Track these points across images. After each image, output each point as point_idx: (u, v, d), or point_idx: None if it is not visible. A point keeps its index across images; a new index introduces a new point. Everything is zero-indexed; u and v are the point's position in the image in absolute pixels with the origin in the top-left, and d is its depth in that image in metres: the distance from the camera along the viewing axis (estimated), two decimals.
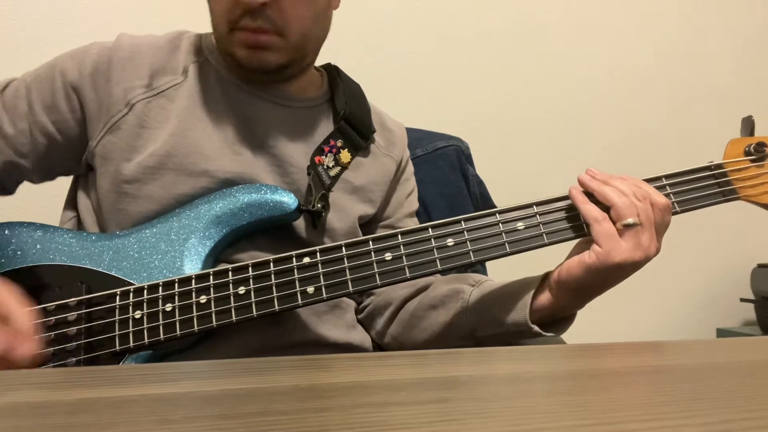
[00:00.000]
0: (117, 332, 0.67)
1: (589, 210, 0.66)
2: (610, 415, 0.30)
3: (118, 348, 0.67)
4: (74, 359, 0.66)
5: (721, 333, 1.78)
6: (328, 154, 0.82)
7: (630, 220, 0.64)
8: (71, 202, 0.84)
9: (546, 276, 0.72)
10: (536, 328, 0.69)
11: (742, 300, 1.73)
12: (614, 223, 0.65)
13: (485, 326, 0.74)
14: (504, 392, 0.36)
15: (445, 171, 1.11)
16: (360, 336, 0.84)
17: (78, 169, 0.82)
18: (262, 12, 0.71)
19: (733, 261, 1.81)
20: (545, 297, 0.70)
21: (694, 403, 0.34)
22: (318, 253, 0.69)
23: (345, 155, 0.83)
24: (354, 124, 0.85)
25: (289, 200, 0.75)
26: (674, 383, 0.39)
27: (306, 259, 0.69)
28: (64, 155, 0.80)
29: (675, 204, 0.70)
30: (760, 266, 1.69)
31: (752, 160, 0.72)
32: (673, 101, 1.80)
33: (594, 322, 1.65)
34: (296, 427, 0.28)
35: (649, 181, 0.71)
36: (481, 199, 1.13)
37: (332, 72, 0.90)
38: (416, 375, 0.41)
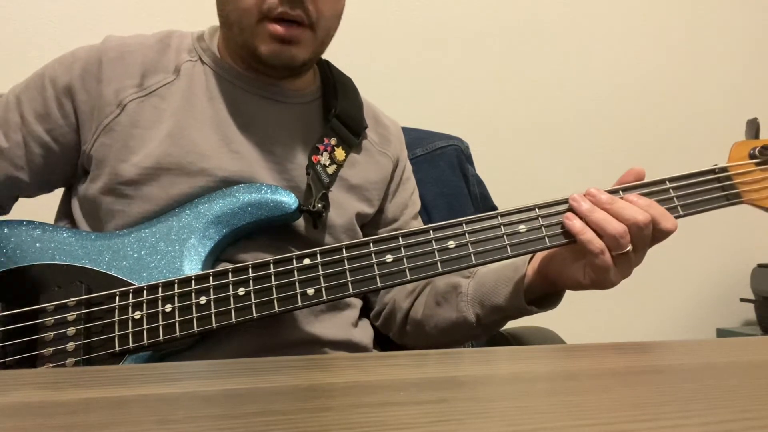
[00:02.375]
0: (116, 333, 0.67)
1: (588, 242, 0.66)
2: (610, 415, 0.31)
3: (117, 349, 0.67)
4: (73, 360, 0.66)
5: (721, 333, 1.78)
6: (324, 153, 0.81)
7: (623, 251, 0.65)
8: (63, 212, 0.83)
9: (533, 257, 0.76)
10: (534, 309, 0.74)
11: (742, 300, 1.73)
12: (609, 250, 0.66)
13: (488, 315, 0.78)
14: (504, 392, 0.36)
15: (445, 171, 1.11)
16: (360, 334, 0.84)
17: (76, 177, 0.81)
18: (301, 2, 0.71)
19: (733, 261, 1.81)
20: (535, 283, 0.74)
21: (693, 403, 0.34)
22: (318, 255, 0.69)
23: (340, 153, 0.83)
24: (345, 121, 0.84)
25: (290, 200, 0.75)
26: (674, 383, 0.39)
27: (306, 261, 0.69)
28: (61, 165, 0.79)
29: (679, 207, 0.69)
30: (760, 266, 1.68)
31: (757, 164, 0.71)
32: (677, 103, 1.80)
33: (594, 322, 1.65)
34: (296, 427, 0.28)
35: (652, 184, 0.70)
36: (481, 199, 1.13)
37: (324, 67, 0.90)
38: (416, 375, 0.41)
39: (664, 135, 1.78)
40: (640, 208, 0.66)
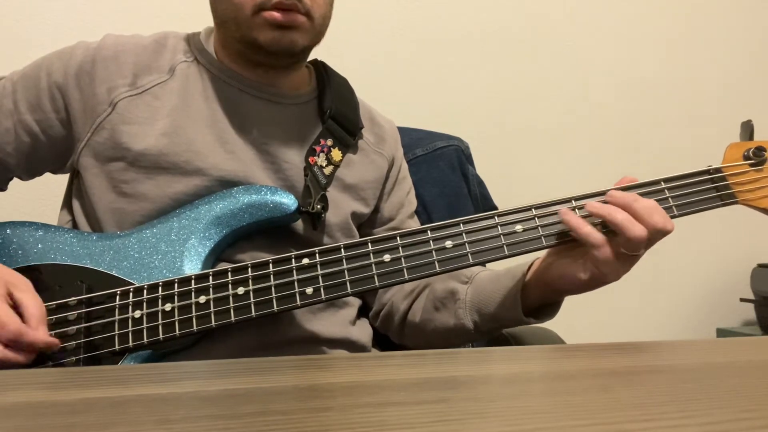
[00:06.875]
0: (117, 332, 0.67)
1: (588, 235, 0.65)
2: (609, 415, 0.31)
3: (117, 347, 0.67)
4: (74, 358, 0.66)
5: (721, 333, 1.78)
6: (320, 154, 0.82)
7: (638, 252, 0.65)
8: (67, 204, 0.84)
9: (531, 265, 0.75)
10: (531, 320, 0.74)
11: (742, 300, 1.73)
12: (617, 245, 0.65)
13: (485, 323, 0.78)
14: (503, 392, 0.36)
15: (445, 171, 1.10)
16: (358, 332, 0.84)
17: (64, 169, 0.83)
18: None
19: (733, 261, 1.81)
20: (534, 292, 0.74)
21: (693, 403, 0.34)
22: (317, 255, 0.69)
23: (336, 153, 0.83)
24: (341, 121, 0.85)
25: (289, 201, 0.75)
26: (674, 383, 0.39)
27: (305, 260, 0.69)
28: (47, 155, 0.81)
29: (673, 208, 0.69)
30: (760, 266, 1.68)
31: (751, 165, 0.72)
32: (675, 103, 1.80)
33: (594, 322, 1.65)
34: (296, 427, 0.28)
35: (647, 184, 0.70)
36: (482, 199, 1.13)
37: (319, 68, 0.90)
38: (416, 375, 0.41)
39: (663, 136, 1.78)
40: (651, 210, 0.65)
